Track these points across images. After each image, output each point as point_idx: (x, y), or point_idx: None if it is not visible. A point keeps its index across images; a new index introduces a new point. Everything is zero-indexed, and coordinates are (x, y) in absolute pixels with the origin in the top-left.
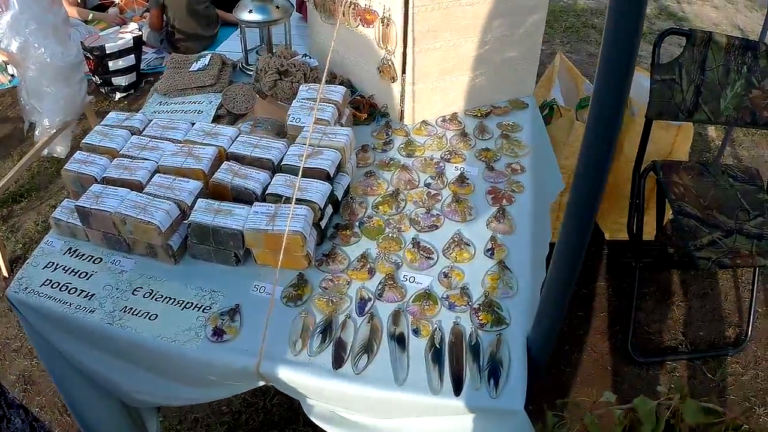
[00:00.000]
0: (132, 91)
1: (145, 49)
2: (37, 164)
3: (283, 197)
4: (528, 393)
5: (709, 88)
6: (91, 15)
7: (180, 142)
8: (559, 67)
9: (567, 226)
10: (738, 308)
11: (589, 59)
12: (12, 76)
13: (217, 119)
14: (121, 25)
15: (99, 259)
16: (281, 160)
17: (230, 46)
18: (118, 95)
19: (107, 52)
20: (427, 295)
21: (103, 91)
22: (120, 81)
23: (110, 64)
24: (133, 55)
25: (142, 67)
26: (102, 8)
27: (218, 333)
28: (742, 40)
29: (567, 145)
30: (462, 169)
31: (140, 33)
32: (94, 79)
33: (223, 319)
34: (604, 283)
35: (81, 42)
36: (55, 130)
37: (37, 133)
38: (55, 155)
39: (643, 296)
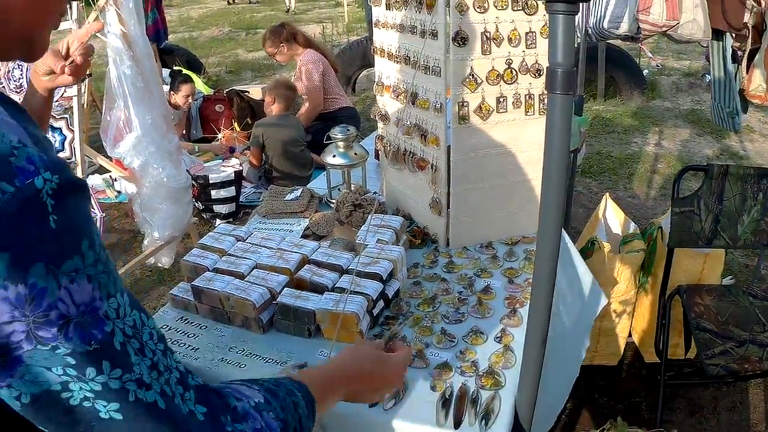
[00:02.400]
0: (231, 220)
1: (244, 183)
2: (140, 271)
3: (347, 289)
4: None
5: (727, 216)
6: (197, 147)
7: (274, 250)
8: (606, 208)
9: (531, 319)
10: (767, 418)
11: (647, 201)
12: (118, 192)
13: (303, 238)
14: (224, 159)
15: (205, 327)
16: (348, 266)
17: (318, 184)
18: (219, 222)
19: (210, 181)
20: (445, 365)
21: (205, 216)
22: (220, 209)
23: (212, 192)
24: (233, 187)
25: (241, 200)
26: (205, 142)
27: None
28: (758, 169)
29: (602, 274)
30: (489, 282)
31: (241, 168)
32: (197, 204)
33: (294, 370)
34: (639, 400)
35: (187, 170)
36: (163, 242)
37: (146, 242)
38: (160, 265)
39: (674, 410)
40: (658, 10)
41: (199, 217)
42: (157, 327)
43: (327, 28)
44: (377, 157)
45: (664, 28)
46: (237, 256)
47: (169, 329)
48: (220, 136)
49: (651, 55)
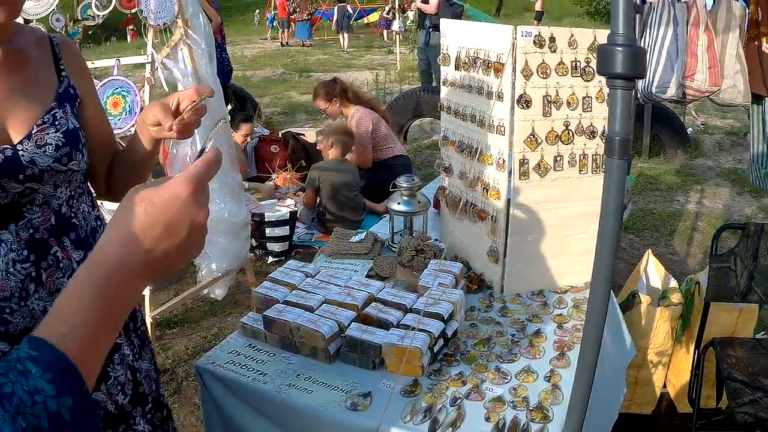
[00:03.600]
0: (283, 258)
1: (297, 223)
2: (192, 302)
3: (411, 326)
4: None
5: (761, 272)
6: (247, 185)
7: (342, 287)
8: (648, 263)
9: (581, 361)
10: None
11: (687, 258)
12: None
13: (368, 278)
14: (279, 199)
15: (273, 354)
16: (412, 306)
17: (380, 228)
18: (271, 259)
19: (266, 219)
20: (498, 399)
21: (258, 253)
22: (274, 247)
23: (267, 230)
24: (288, 227)
25: (293, 239)
26: (258, 181)
27: (354, 405)
28: None
29: (641, 326)
30: (539, 327)
31: (296, 208)
32: (251, 240)
33: (359, 398)
34: None
35: None
36: (219, 275)
37: (202, 273)
38: (213, 296)
39: None
40: (701, 77)
41: (253, 253)
42: None
43: (380, 75)
44: (436, 206)
45: (707, 94)
46: (306, 291)
47: (239, 354)
48: (274, 176)
49: (695, 115)
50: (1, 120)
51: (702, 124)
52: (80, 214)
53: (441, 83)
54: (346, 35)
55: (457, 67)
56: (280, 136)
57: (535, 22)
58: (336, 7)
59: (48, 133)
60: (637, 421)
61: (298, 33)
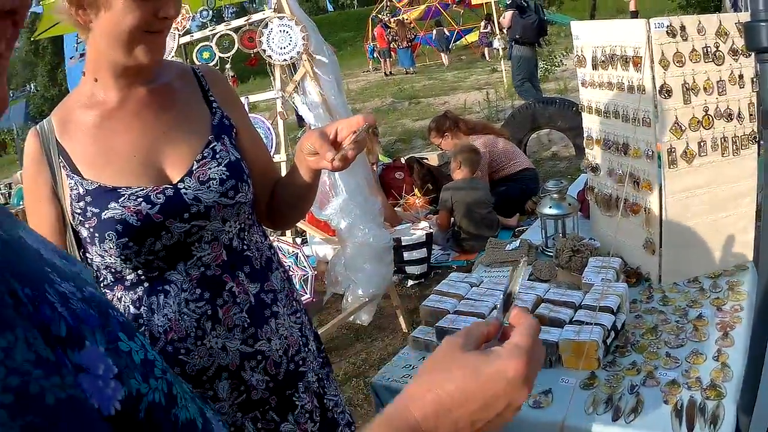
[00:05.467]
0: (423, 280)
1: (433, 245)
2: (336, 329)
3: (584, 322)
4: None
5: None
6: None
7: None
8: None
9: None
10: None
11: None
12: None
13: None
14: (413, 222)
15: None
16: (581, 302)
17: (532, 235)
18: (410, 282)
19: (403, 243)
20: (673, 382)
21: (397, 278)
22: (413, 270)
23: (405, 254)
24: (425, 249)
25: (431, 261)
26: None
27: (537, 403)
28: None
29: None
30: (700, 311)
31: (431, 230)
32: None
33: (540, 395)
34: None
35: None
36: (365, 300)
37: (349, 299)
38: (359, 322)
39: None
40: None
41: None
42: None
43: (490, 94)
44: (582, 208)
45: None
46: (474, 300)
47: (413, 368)
48: (402, 201)
49: None
50: (158, 159)
51: None
52: (253, 245)
53: (580, 85)
54: (445, 55)
55: (594, 67)
56: (403, 162)
57: None
58: (434, 31)
59: (210, 168)
60: None
61: (401, 61)
